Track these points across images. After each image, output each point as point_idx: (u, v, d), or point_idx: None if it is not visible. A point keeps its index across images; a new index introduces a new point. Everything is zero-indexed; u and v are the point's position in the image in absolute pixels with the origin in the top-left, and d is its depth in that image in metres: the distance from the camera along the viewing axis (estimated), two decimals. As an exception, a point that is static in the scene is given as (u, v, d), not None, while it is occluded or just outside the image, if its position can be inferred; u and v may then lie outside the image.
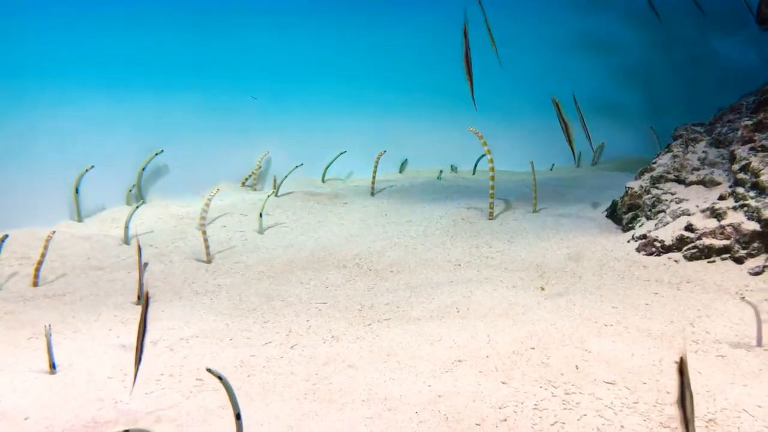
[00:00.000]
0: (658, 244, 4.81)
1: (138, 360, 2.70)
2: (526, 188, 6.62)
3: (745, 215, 4.56)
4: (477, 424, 2.67)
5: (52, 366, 3.20)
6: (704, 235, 4.63)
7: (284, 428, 2.70)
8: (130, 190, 6.43)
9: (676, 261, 4.66)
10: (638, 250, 4.90)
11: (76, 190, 5.89)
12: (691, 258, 4.62)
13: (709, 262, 4.54)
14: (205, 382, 3.07)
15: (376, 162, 6.95)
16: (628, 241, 5.11)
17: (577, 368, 3.12)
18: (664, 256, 4.74)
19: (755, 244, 4.44)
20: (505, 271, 4.66)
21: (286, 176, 6.85)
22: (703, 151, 5.49)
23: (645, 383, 2.96)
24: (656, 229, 4.97)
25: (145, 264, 4.27)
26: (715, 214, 4.70)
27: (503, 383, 3.00)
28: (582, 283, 4.37)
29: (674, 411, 2.08)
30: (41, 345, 3.45)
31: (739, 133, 5.05)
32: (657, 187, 5.40)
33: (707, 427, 2.61)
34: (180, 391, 3.01)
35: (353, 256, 5.10)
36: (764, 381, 2.97)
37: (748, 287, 4.13)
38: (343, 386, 3.03)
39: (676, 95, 8.43)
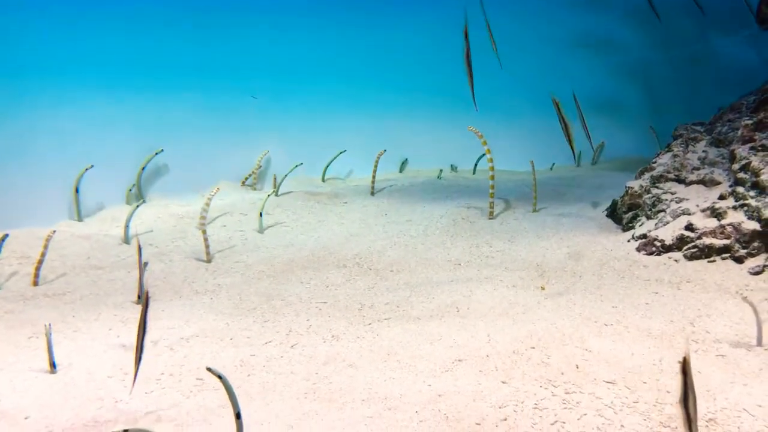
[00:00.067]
0: (659, 244, 4.81)
1: (138, 359, 2.70)
2: (526, 188, 6.62)
3: (746, 215, 4.56)
4: (477, 424, 2.67)
5: (52, 365, 3.20)
6: (704, 234, 4.63)
7: (284, 427, 2.70)
8: (130, 190, 6.43)
9: (676, 260, 4.66)
10: (638, 249, 4.90)
11: (76, 190, 5.89)
12: (691, 257, 4.62)
13: (709, 261, 4.54)
14: (205, 382, 3.07)
15: (376, 161, 6.95)
16: (628, 241, 5.11)
17: (577, 367, 3.12)
18: (665, 256, 4.74)
19: (755, 244, 4.44)
20: (505, 271, 4.66)
21: (285, 175, 6.85)
22: (704, 151, 5.49)
23: (645, 382, 2.96)
24: (656, 228, 4.97)
25: (145, 263, 4.27)
26: (716, 213, 4.70)
27: (503, 382, 3.00)
28: (582, 283, 4.37)
29: (677, 411, 2.08)
30: (41, 344, 3.45)
31: (740, 132, 5.05)
32: (657, 187, 5.40)
33: (707, 426, 2.61)
34: (180, 391, 3.01)
35: (353, 256, 5.10)
36: (764, 380, 2.97)
37: (749, 287, 4.13)
38: (343, 385, 3.03)
39: (676, 95, 8.44)
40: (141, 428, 2.66)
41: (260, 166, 7.17)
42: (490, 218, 5.95)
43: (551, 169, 8.23)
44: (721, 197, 4.83)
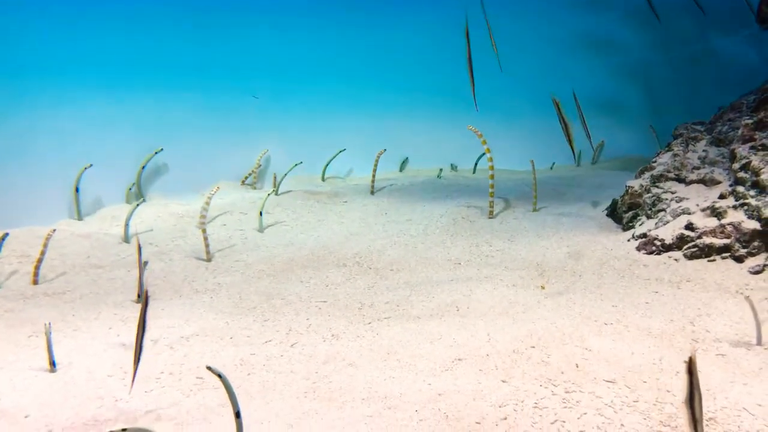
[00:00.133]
0: (659, 243, 4.81)
1: (137, 358, 2.70)
2: (526, 187, 6.62)
3: (746, 214, 4.56)
4: (477, 423, 2.67)
5: (52, 364, 3.20)
6: (704, 233, 4.63)
7: (284, 426, 2.70)
8: (130, 189, 6.43)
9: (676, 260, 4.65)
10: (638, 248, 4.90)
11: (76, 189, 5.89)
12: (691, 257, 4.62)
13: (709, 260, 4.54)
14: (205, 381, 3.07)
15: (376, 160, 6.95)
16: (629, 240, 5.11)
17: (577, 367, 3.12)
18: (665, 255, 4.74)
19: (755, 243, 4.44)
20: (505, 270, 4.66)
21: (285, 174, 6.85)
22: (704, 150, 5.49)
23: (645, 382, 2.96)
24: (656, 227, 4.97)
25: (145, 262, 4.27)
26: (716, 212, 4.70)
27: (503, 382, 3.00)
28: (582, 282, 4.37)
29: (683, 411, 2.08)
30: (41, 343, 3.45)
31: (740, 131, 5.05)
32: (657, 186, 5.40)
33: (707, 425, 2.61)
34: (180, 390, 3.01)
35: (353, 255, 5.10)
36: (764, 380, 2.97)
37: (749, 286, 4.13)
38: (343, 384, 3.03)
39: (676, 94, 8.44)
40: (140, 427, 2.66)
41: (260, 165, 7.18)
42: (490, 217, 5.95)
43: (551, 168, 8.23)
44: (722, 196, 4.83)
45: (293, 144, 7.36)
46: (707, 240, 4.59)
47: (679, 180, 5.37)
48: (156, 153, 6.48)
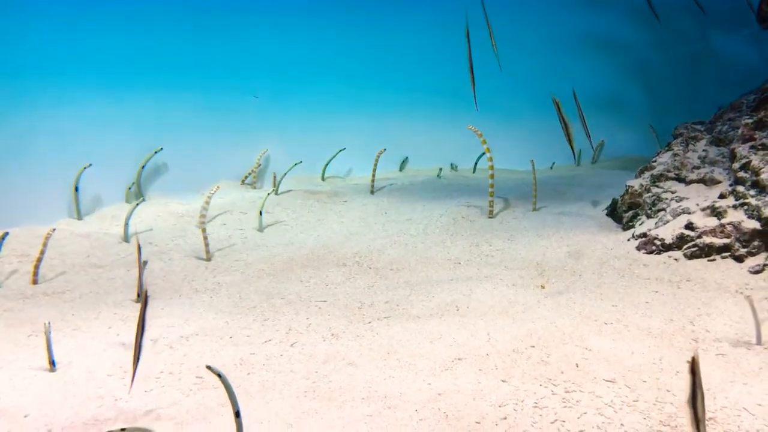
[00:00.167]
0: (659, 243, 4.81)
1: (136, 358, 2.70)
2: (526, 186, 6.62)
3: (746, 214, 4.56)
4: (477, 422, 2.67)
5: (52, 363, 3.20)
6: (704, 233, 4.63)
7: (284, 426, 2.69)
8: (130, 188, 6.43)
9: (676, 259, 4.65)
10: (638, 248, 4.90)
11: (76, 188, 5.89)
12: (691, 256, 4.62)
13: (709, 260, 4.54)
14: (204, 380, 3.07)
15: (376, 160, 6.95)
16: (629, 240, 5.10)
17: (577, 366, 3.12)
18: (665, 255, 4.74)
19: (755, 243, 4.43)
20: (505, 270, 4.66)
21: (285, 174, 6.85)
22: (704, 150, 5.48)
23: (645, 381, 2.96)
24: (656, 227, 4.97)
25: (145, 262, 4.27)
26: (716, 212, 4.70)
27: (503, 381, 3.00)
28: (582, 282, 4.36)
29: (685, 411, 2.08)
30: (41, 342, 3.45)
31: (740, 131, 5.04)
32: (657, 186, 5.39)
33: (707, 425, 2.61)
34: (180, 389, 3.01)
35: (353, 255, 5.10)
36: (764, 379, 2.97)
37: (749, 285, 4.12)
38: (342, 384, 3.03)
39: (676, 93, 8.44)
40: (140, 427, 2.66)
41: (260, 165, 7.18)
42: (489, 217, 5.95)
43: (551, 168, 8.23)
44: (722, 196, 4.83)
45: (293, 143, 7.36)
46: (707, 240, 4.59)
47: (679, 179, 5.37)
48: (156, 152, 6.48)
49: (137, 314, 3.42)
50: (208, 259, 5.03)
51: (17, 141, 5.84)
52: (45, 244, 4.63)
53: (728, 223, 4.56)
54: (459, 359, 3.24)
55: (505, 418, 2.69)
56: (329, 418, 2.74)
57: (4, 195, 5.61)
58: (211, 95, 7.02)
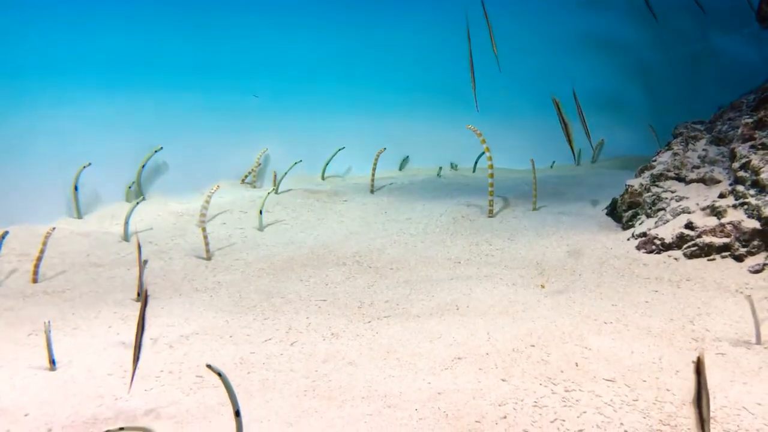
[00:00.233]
0: (658, 242, 4.81)
1: (136, 357, 2.70)
2: (526, 186, 6.62)
3: (745, 213, 4.56)
4: (477, 422, 2.67)
5: (52, 363, 3.20)
6: (704, 233, 4.63)
7: (284, 425, 2.70)
8: (130, 187, 6.43)
9: (676, 259, 4.65)
10: (638, 248, 4.90)
11: (75, 188, 5.89)
12: (691, 256, 4.62)
13: (709, 260, 4.54)
14: (204, 379, 3.07)
15: (376, 159, 6.94)
16: (628, 239, 5.10)
17: (576, 366, 3.12)
18: (664, 254, 4.74)
19: (755, 242, 4.44)
20: (505, 269, 4.66)
21: (285, 173, 6.85)
22: (704, 149, 5.49)
23: (645, 381, 2.96)
24: (656, 227, 4.97)
25: (145, 261, 4.27)
26: (715, 212, 4.70)
27: (503, 380, 3.00)
28: (582, 281, 4.37)
29: (690, 411, 2.08)
30: (41, 342, 3.45)
31: (740, 131, 5.05)
32: (657, 185, 5.40)
33: (707, 424, 2.61)
34: (180, 388, 3.01)
35: (353, 254, 5.10)
36: (764, 379, 2.97)
37: (748, 285, 4.13)
38: (342, 383, 3.03)
39: (676, 93, 8.43)
40: (139, 426, 2.66)
41: (259, 164, 7.17)
42: (489, 216, 5.95)
43: (551, 167, 8.22)
44: (721, 196, 4.83)
45: (293, 143, 7.36)
46: (707, 239, 4.59)
47: (679, 179, 5.37)
48: (156, 151, 6.48)
49: (137, 313, 3.42)
50: (208, 258, 5.03)
51: (17, 140, 5.84)
52: (45, 243, 4.63)
53: (728, 223, 4.56)
54: (459, 358, 3.24)
55: (505, 417, 2.69)
56: (329, 417, 2.74)
57: (4, 194, 5.60)
58: (210, 94, 7.03)
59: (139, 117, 6.57)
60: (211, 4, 7.06)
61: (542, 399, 2.82)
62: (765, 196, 4.52)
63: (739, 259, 4.45)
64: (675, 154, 5.57)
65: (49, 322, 3.29)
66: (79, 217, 5.93)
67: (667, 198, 5.22)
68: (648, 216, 5.26)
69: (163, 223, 5.86)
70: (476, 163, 7.92)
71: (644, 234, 4.97)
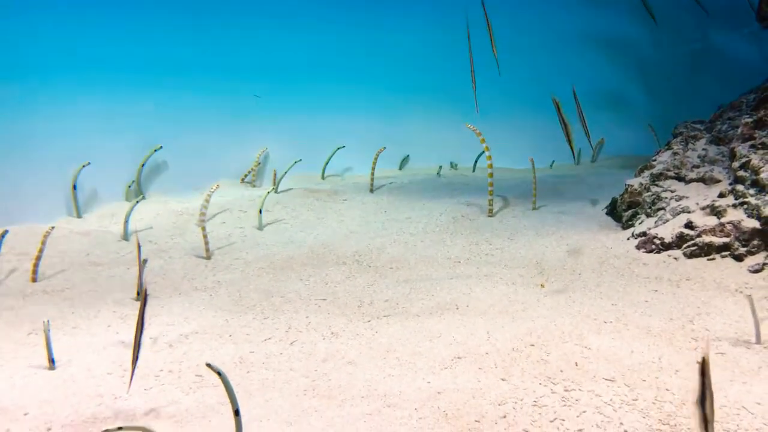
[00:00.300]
0: (658, 242, 4.81)
1: (135, 356, 2.70)
2: (526, 185, 6.61)
3: (745, 213, 4.56)
4: (476, 421, 2.67)
5: (52, 362, 3.19)
6: (704, 232, 4.63)
7: (283, 424, 2.70)
8: (130, 186, 6.43)
9: (675, 258, 4.65)
10: (638, 247, 4.90)
11: (74, 187, 5.89)
12: (690, 255, 4.62)
13: (708, 259, 4.54)
14: (204, 379, 3.07)
15: (375, 158, 6.94)
16: (628, 239, 5.10)
17: (576, 365, 3.12)
18: (664, 254, 4.74)
19: (755, 242, 4.44)
20: (504, 268, 4.66)
21: (285, 172, 6.85)
22: (703, 149, 5.48)
23: (644, 380, 2.96)
24: (656, 226, 4.97)
25: (145, 260, 4.27)
26: (715, 211, 4.70)
27: (503, 380, 3.00)
28: (581, 281, 4.37)
29: (694, 411, 2.08)
30: (40, 341, 3.44)
31: (739, 130, 5.05)
32: (657, 185, 5.40)
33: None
34: (179, 387, 3.01)
35: (353, 253, 5.09)
36: (764, 378, 2.97)
37: (748, 285, 4.13)
38: (342, 382, 3.03)
39: (676, 92, 8.42)
40: (138, 426, 2.65)
41: (259, 163, 7.17)
42: (489, 216, 5.95)
43: (551, 166, 8.22)
44: (721, 195, 4.83)
45: (292, 142, 7.35)
46: (707, 239, 4.59)
47: (679, 178, 5.37)
48: (155, 150, 6.47)
49: (137, 312, 3.41)
50: (208, 258, 5.03)
51: (17, 138, 5.83)
52: (44, 243, 4.63)
53: (728, 222, 4.56)
54: (458, 358, 3.24)
55: (505, 417, 2.69)
56: (329, 417, 2.74)
57: (4, 193, 5.60)
58: (210, 94, 7.01)
59: (139, 116, 6.56)
60: (211, 3, 7.05)
61: (542, 398, 2.82)
62: (765, 195, 4.52)
63: (738, 258, 4.45)
64: (675, 153, 5.57)
65: (48, 321, 3.29)
66: (79, 216, 5.93)
67: (666, 197, 5.22)
68: (648, 215, 5.26)
69: (162, 222, 5.86)
70: (476, 162, 7.91)
71: (644, 233, 4.97)
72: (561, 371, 3.06)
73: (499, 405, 2.78)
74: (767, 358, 3.16)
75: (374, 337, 3.54)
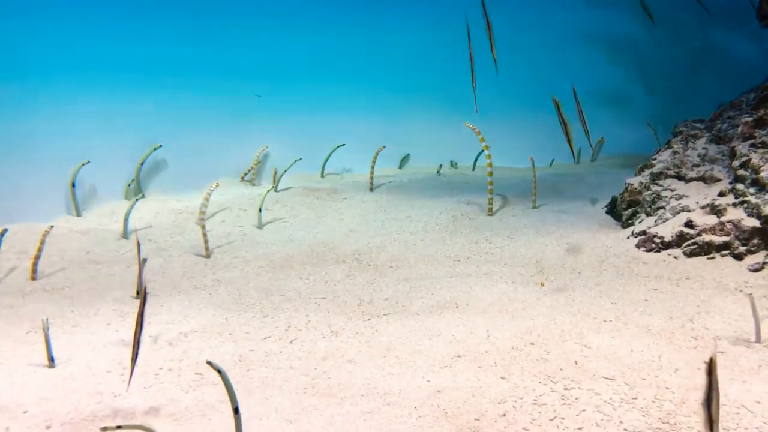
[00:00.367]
0: (658, 241, 4.81)
1: (135, 354, 2.69)
2: (526, 184, 6.61)
3: (745, 212, 4.56)
4: (476, 419, 2.67)
5: (51, 360, 3.19)
6: (704, 231, 4.63)
7: (283, 422, 2.69)
8: (129, 185, 6.42)
9: (675, 257, 4.65)
10: (638, 246, 4.90)
11: (73, 185, 5.89)
12: (690, 254, 4.62)
13: (708, 258, 4.54)
14: (204, 377, 3.07)
15: (375, 157, 6.94)
16: (628, 238, 5.10)
17: (576, 364, 3.12)
18: (664, 253, 4.74)
19: (755, 241, 4.44)
20: (504, 267, 4.66)
21: (285, 171, 6.84)
22: (703, 148, 5.48)
23: (644, 379, 2.96)
24: (656, 225, 4.97)
25: (144, 258, 4.26)
26: (715, 210, 4.70)
27: (502, 378, 3.00)
28: (581, 279, 4.37)
29: (700, 411, 2.08)
30: (40, 339, 3.44)
31: (740, 129, 5.04)
32: (657, 184, 5.39)
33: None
34: (179, 385, 3.01)
35: (352, 252, 5.09)
36: (763, 377, 2.97)
37: (748, 284, 4.13)
38: (342, 381, 3.03)
39: (676, 91, 8.42)
40: (137, 424, 2.65)
41: (259, 162, 7.17)
42: (489, 215, 5.95)
43: (551, 165, 8.22)
44: (721, 194, 4.83)
45: (292, 140, 7.35)
46: (707, 237, 4.59)
47: (679, 177, 5.37)
48: (155, 149, 6.47)
49: (136, 311, 3.41)
50: (208, 256, 5.03)
51: (17, 137, 5.83)
52: (43, 241, 4.63)
53: (728, 221, 4.56)
54: (458, 356, 3.24)
55: (504, 415, 2.69)
56: (328, 415, 2.74)
57: (3, 192, 5.60)
58: (210, 93, 7.01)
59: (139, 116, 6.56)
60: (211, 3, 7.05)
61: (541, 397, 2.82)
62: (765, 194, 4.52)
63: (738, 257, 4.45)
64: (675, 152, 5.57)
65: (47, 319, 3.29)
66: (78, 214, 5.93)
67: (666, 196, 5.22)
68: (648, 214, 5.26)
69: (162, 221, 5.86)
70: (476, 161, 7.91)
71: (644, 232, 4.97)
72: (561, 370, 3.06)
73: (499, 403, 2.78)
74: (767, 357, 3.16)
75: (374, 335, 3.54)
